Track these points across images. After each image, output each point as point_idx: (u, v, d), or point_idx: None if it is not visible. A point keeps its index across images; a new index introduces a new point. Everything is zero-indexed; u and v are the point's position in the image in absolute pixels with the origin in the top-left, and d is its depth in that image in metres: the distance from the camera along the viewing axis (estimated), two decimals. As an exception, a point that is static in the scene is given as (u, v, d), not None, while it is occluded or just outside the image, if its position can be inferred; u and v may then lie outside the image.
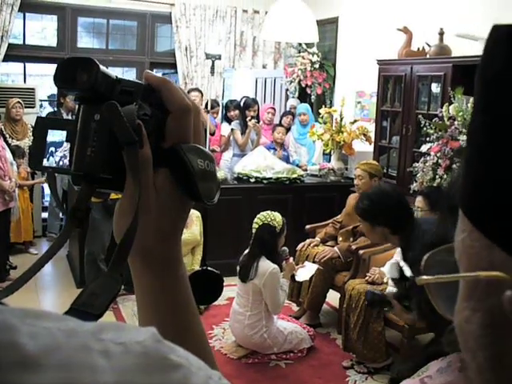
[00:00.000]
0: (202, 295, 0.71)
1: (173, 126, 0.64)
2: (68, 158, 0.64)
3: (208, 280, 0.75)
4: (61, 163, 0.68)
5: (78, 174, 0.63)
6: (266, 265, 4.35)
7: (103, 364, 0.35)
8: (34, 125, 0.70)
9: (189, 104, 0.64)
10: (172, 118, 0.64)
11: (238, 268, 4.47)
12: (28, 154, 6.30)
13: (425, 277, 0.49)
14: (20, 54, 7.55)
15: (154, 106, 0.63)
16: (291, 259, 4.61)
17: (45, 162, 0.67)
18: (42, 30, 8.65)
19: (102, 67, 0.60)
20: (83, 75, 0.59)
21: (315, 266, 4.89)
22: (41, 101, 7.69)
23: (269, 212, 4.52)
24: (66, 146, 0.66)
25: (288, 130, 7.39)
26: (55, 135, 0.68)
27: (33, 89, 7.44)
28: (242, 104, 7.47)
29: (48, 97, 8.67)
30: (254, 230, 4.48)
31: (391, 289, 4.18)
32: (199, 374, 0.40)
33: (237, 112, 7.26)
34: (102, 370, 0.34)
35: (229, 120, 7.31)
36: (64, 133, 0.65)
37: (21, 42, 7.66)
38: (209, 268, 0.76)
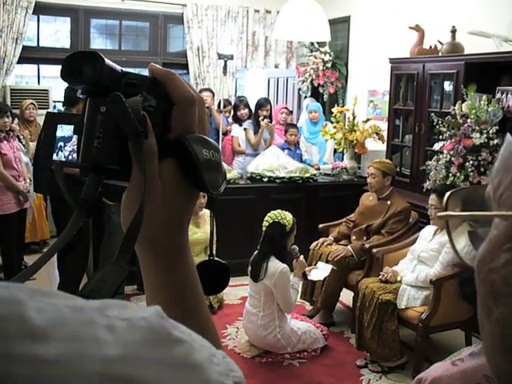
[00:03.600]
0: (209, 285, 0.72)
1: (178, 117, 0.65)
2: (77, 153, 0.66)
3: (215, 270, 0.76)
4: (70, 157, 0.69)
5: (86, 166, 0.64)
6: (275, 265, 4.35)
7: (108, 338, 0.36)
8: (43, 120, 0.71)
9: (193, 95, 0.66)
10: (177, 109, 0.65)
11: (249, 268, 4.48)
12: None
13: (452, 212, 0.47)
14: (34, 56, 7.63)
15: (159, 97, 0.65)
16: (301, 257, 4.60)
17: (54, 157, 0.69)
18: (56, 33, 8.70)
19: (107, 61, 0.62)
20: (89, 69, 0.61)
21: (330, 267, 4.88)
22: (54, 102, 7.73)
23: (279, 211, 4.53)
24: (75, 140, 0.67)
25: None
26: (64, 130, 0.69)
27: (47, 90, 7.50)
28: (236, 104, 7.45)
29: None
30: (264, 228, 4.49)
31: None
32: (202, 350, 0.41)
33: (246, 111, 7.22)
34: (106, 343, 0.35)
35: (238, 120, 7.25)
36: (72, 127, 0.67)
37: (35, 45, 7.74)
38: (215, 258, 0.77)
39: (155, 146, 0.63)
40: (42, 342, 0.33)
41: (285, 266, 4.37)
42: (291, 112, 8.02)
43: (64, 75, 0.63)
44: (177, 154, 0.64)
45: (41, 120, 6.72)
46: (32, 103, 6.70)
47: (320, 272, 4.84)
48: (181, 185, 0.65)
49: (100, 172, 0.64)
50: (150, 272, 0.68)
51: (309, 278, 4.77)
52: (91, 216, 0.63)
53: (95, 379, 0.34)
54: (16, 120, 5.92)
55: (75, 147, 0.66)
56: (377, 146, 6.53)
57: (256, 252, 4.50)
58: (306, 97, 8.33)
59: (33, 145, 6.64)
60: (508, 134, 0.45)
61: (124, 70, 0.64)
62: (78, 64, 0.61)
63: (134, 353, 0.36)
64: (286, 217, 4.47)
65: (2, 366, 0.32)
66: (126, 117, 0.60)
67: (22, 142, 6.23)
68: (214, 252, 0.83)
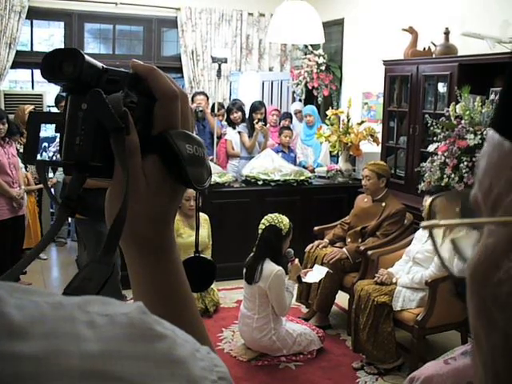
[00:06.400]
0: (196, 282, 0.72)
1: (160, 113, 0.64)
2: None
3: (201, 267, 0.76)
4: (54, 158, 0.69)
5: (69, 164, 0.63)
6: (270, 267, 4.35)
7: (88, 334, 0.36)
8: (26, 120, 0.71)
9: (175, 90, 0.65)
10: (159, 105, 0.64)
11: (244, 270, 4.48)
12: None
13: (438, 221, 0.44)
14: (28, 60, 7.60)
15: (141, 93, 0.64)
16: (296, 260, 4.60)
17: (38, 157, 0.68)
18: (50, 37, 8.71)
19: (87, 57, 0.61)
20: (69, 66, 0.60)
21: (325, 269, 4.87)
22: (49, 107, 7.73)
23: (276, 214, 4.52)
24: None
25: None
26: (48, 130, 0.69)
27: (41, 95, 7.51)
28: (229, 107, 7.41)
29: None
30: (260, 231, 4.48)
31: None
32: (185, 345, 0.41)
33: (240, 114, 7.19)
34: (86, 339, 0.35)
35: (232, 123, 7.23)
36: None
37: (28, 49, 7.74)
38: (201, 255, 0.77)
39: (137, 142, 0.62)
40: (22, 339, 0.33)
41: (280, 268, 4.36)
42: (289, 115, 7.97)
43: (44, 72, 0.62)
44: (160, 150, 0.64)
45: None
46: (34, 109, 6.71)
47: (315, 275, 4.83)
48: (164, 181, 0.65)
49: (83, 169, 0.63)
50: (135, 269, 0.68)
51: (303, 280, 4.76)
52: (75, 214, 0.62)
53: (75, 375, 0.34)
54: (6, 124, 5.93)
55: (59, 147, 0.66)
56: (371, 148, 6.53)
57: (251, 254, 4.49)
58: (300, 99, 8.35)
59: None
60: (491, 131, 0.42)
61: (105, 66, 0.64)
62: (58, 61, 0.61)
63: (114, 348, 0.36)
64: (283, 220, 4.47)
65: None
66: (106, 113, 0.59)
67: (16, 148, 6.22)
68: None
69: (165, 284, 0.67)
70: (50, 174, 6.75)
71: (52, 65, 0.61)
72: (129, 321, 0.38)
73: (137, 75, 0.65)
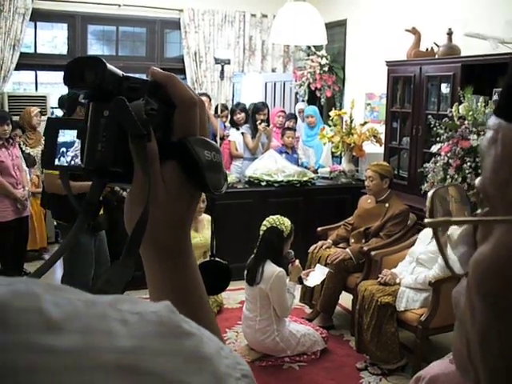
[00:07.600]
0: (211, 285, 0.73)
1: (179, 120, 0.66)
2: (79, 158, 0.67)
3: (216, 270, 0.77)
4: (72, 162, 0.70)
5: (90, 169, 0.65)
6: (271, 268, 4.35)
7: (121, 330, 0.37)
8: (45, 126, 0.72)
9: (194, 98, 0.67)
10: (178, 112, 0.66)
11: (245, 271, 4.48)
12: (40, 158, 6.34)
13: (444, 218, 0.42)
14: (31, 62, 7.64)
15: (160, 100, 0.66)
16: (297, 262, 4.60)
17: (56, 162, 0.70)
18: (53, 39, 8.72)
19: (109, 65, 0.63)
20: (91, 74, 0.62)
21: (326, 270, 4.88)
22: (52, 108, 7.74)
23: (278, 216, 4.53)
24: (78, 145, 0.68)
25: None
26: (66, 135, 0.70)
27: (44, 97, 7.52)
28: (233, 108, 7.43)
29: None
30: (261, 232, 4.49)
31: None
32: (210, 344, 0.42)
33: (243, 115, 7.20)
34: (119, 336, 0.37)
35: (235, 124, 7.25)
36: (74, 133, 0.68)
37: (32, 51, 7.75)
38: (217, 259, 0.78)
39: (156, 148, 0.64)
40: (58, 334, 0.35)
41: (281, 269, 4.37)
42: (294, 116, 7.97)
43: (66, 80, 0.64)
44: (179, 156, 0.65)
45: (40, 126, 6.77)
46: (40, 111, 6.75)
47: (316, 276, 4.84)
48: (183, 186, 0.66)
49: (104, 175, 0.65)
50: (154, 273, 0.69)
51: (305, 283, 4.77)
52: (95, 218, 0.64)
53: (110, 370, 0.35)
54: (19, 131, 5.98)
55: (77, 152, 0.67)
56: (374, 149, 6.53)
57: (252, 256, 4.50)
58: (303, 100, 8.36)
59: (32, 151, 6.66)
60: (499, 120, 0.40)
61: (125, 74, 0.65)
62: (80, 69, 0.62)
63: (146, 345, 0.38)
64: (285, 222, 4.47)
65: (24, 356, 0.33)
66: (129, 120, 0.61)
67: (21, 148, 6.24)
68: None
69: (182, 288, 0.69)
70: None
71: (74, 73, 0.63)
72: (158, 319, 0.40)
73: (156, 83, 0.66)
